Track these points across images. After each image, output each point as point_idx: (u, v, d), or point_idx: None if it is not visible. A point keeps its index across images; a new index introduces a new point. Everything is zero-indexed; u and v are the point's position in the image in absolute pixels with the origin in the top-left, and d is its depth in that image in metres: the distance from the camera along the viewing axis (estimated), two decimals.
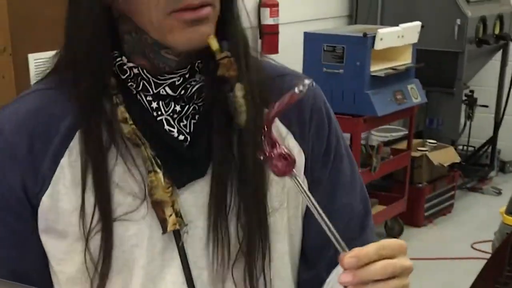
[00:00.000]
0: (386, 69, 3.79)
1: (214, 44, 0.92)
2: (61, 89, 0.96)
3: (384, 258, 0.82)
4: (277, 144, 0.84)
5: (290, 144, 1.00)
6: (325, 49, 3.72)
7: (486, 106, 5.15)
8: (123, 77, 0.95)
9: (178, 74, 0.95)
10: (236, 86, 0.95)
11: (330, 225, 0.83)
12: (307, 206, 1.01)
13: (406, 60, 3.96)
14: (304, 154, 1.01)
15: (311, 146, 0.88)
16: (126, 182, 0.94)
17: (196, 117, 0.98)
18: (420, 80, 4.07)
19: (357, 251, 0.82)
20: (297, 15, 4.40)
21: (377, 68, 3.74)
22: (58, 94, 0.97)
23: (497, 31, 4.86)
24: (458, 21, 4.51)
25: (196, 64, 0.96)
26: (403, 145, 4.34)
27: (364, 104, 3.66)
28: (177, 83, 0.96)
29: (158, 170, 0.94)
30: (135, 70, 0.95)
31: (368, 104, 3.65)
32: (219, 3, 0.94)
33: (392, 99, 3.80)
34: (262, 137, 0.84)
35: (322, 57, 3.72)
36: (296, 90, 0.83)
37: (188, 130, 0.97)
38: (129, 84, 0.95)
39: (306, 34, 3.73)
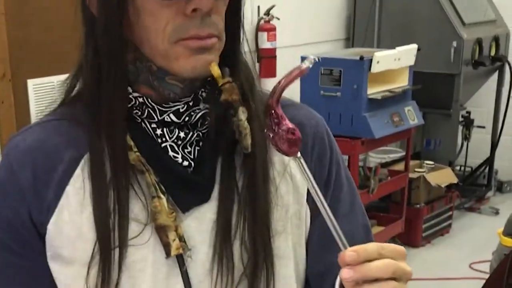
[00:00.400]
0: (383, 91, 3.84)
1: (216, 70, 0.96)
2: (68, 120, 1.00)
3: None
4: (283, 120, 0.86)
5: (292, 170, 1.03)
6: (322, 72, 3.76)
7: (483, 127, 5.19)
8: (128, 105, 0.98)
9: (183, 102, 0.98)
10: (239, 110, 0.98)
11: (333, 219, 0.86)
12: (309, 234, 1.03)
13: (403, 82, 4.00)
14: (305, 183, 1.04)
15: (313, 174, 0.91)
16: (130, 208, 0.96)
17: (200, 144, 1.00)
18: (417, 102, 4.11)
19: (357, 247, 0.83)
20: (295, 39, 4.45)
21: (374, 90, 3.78)
22: (63, 124, 1.00)
23: (493, 53, 4.91)
24: (454, 43, 4.56)
25: (200, 93, 1.00)
26: (400, 166, 4.38)
27: (362, 126, 3.70)
28: (181, 110, 0.98)
29: (162, 196, 0.96)
30: (140, 99, 0.98)
31: (366, 127, 3.69)
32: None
33: (389, 121, 3.84)
34: (269, 113, 0.86)
35: (319, 80, 3.76)
36: (303, 65, 0.86)
37: (192, 156, 1.00)
38: (134, 112, 0.99)
39: (303, 58, 3.78)
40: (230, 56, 1.00)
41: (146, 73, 0.98)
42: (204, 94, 1.00)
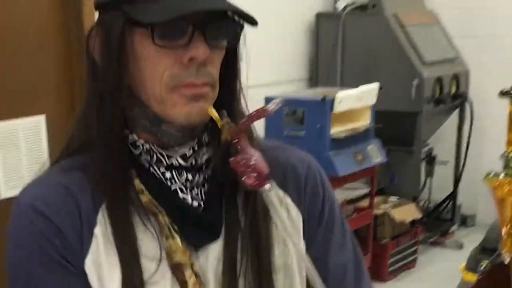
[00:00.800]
0: (346, 130, 3.93)
1: (214, 113, 1.03)
2: (77, 169, 1.06)
3: None
4: (249, 155, 0.93)
5: (289, 206, 1.11)
6: (286, 112, 3.85)
7: (446, 163, 5.30)
8: (136, 152, 1.05)
9: (188, 146, 1.05)
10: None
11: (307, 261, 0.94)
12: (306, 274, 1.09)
13: (365, 121, 4.10)
14: (301, 217, 1.12)
15: (307, 210, 0.97)
16: (145, 248, 1.03)
17: (206, 186, 1.08)
18: (380, 140, 4.20)
19: None
20: (259, 79, 4.53)
21: (337, 129, 3.87)
22: (73, 173, 1.05)
23: (453, 91, 5.03)
24: (415, 82, 4.66)
25: (203, 138, 1.07)
26: (366, 202, 4.45)
27: (326, 165, 3.77)
28: (187, 154, 1.06)
29: (176, 235, 1.03)
30: (147, 146, 1.05)
31: (330, 165, 3.77)
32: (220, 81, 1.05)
33: (353, 159, 3.93)
34: (234, 149, 0.95)
35: (283, 121, 3.85)
36: (269, 107, 0.93)
37: (200, 197, 1.07)
38: (143, 158, 1.05)
39: (267, 99, 3.85)
40: (227, 106, 1.07)
41: (143, 119, 1.05)
42: (206, 139, 1.08)
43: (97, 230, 1.03)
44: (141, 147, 1.05)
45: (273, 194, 0.97)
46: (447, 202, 5.37)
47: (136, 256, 1.02)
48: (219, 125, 1.03)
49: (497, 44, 5.36)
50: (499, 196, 0.96)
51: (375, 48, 4.78)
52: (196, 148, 1.06)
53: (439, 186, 5.33)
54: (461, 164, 5.24)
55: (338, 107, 3.78)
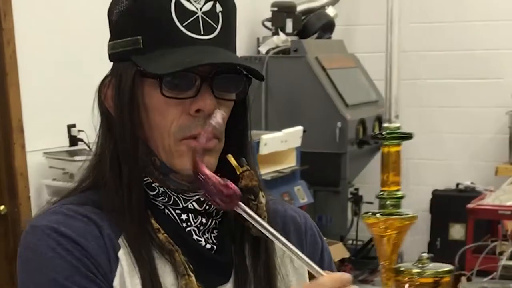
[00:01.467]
0: (272, 172, 3.98)
1: (233, 161, 1.08)
2: (90, 205, 1.09)
3: None
4: (215, 179, 0.97)
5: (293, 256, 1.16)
6: None
7: (371, 203, 5.40)
8: (152, 193, 1.06)
9: (202, 193, 1.08)
10: (259, 194, 1.09)
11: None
12: None
13: (291, 163, 4.17)
14: (306, 267, 1.16)
15: (308, 257, 1.01)
16: (163, 282, 1.05)
17: (215, 232, 1.12)
18: (307, 181, 4.27)
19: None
20: None
21: (263, 171, 3.92)
22: (87, 207, 1.08)
23: (376, 132, 5.15)
24: (339, 124, 4.77)
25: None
26: None
27: None
28: (202, 199, 1.09)
29: (191, 274, 1.06)
30: (162, 189, 1.07)
31: None
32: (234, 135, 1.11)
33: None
34: (199, 178, 0.98)
35: None
36: (212, 121, 0.97)
37: (212, 241, 1.12)
38: (160, 199, 1.09)
39: None
40: (239, 155, 1.11)
41: (150, 166, 1.09)
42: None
43: (121, 254, 1.05)
44: (157, 189, 1.08)
45: (244, 206, 1.01)
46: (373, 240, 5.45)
47: (158, 284, 1.05)
48: (238, 172, 1.07)
49: (417, 87, 5.54)
50: (376, 234, 1.02)
51: (299, 91, 4.87)
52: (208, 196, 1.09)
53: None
54: None
55: (264, 149, 3.84)
